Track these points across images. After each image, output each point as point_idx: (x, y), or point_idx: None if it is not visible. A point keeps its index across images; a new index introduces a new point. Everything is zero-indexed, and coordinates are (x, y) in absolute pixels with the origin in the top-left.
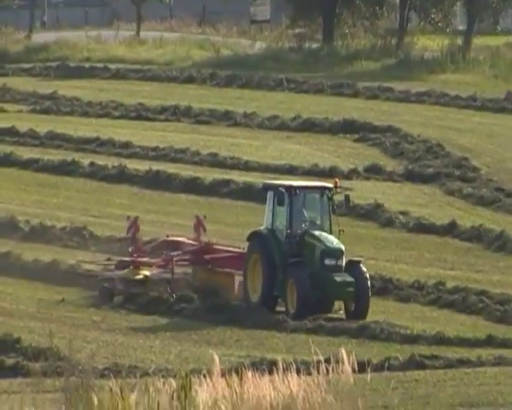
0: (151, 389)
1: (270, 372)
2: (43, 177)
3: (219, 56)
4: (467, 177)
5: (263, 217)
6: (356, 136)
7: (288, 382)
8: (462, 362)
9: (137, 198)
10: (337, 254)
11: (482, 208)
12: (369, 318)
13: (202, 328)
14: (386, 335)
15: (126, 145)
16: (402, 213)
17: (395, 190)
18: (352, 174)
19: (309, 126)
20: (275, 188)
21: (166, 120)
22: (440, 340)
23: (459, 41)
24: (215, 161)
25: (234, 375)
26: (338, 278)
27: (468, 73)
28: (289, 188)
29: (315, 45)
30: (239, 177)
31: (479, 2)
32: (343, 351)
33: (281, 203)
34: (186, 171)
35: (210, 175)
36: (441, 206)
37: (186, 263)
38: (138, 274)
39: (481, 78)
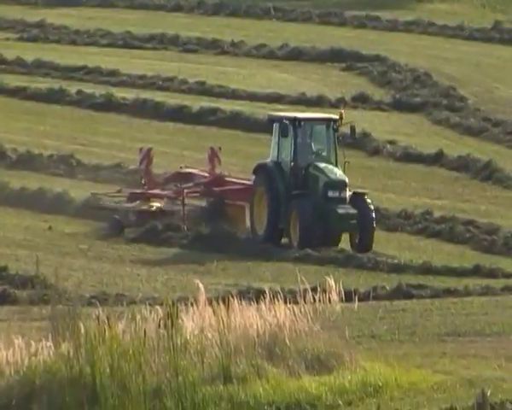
0: (138, 317)
1: (257, 301)
2: (31, 105)
3: None
4: (454, 106)
5: (250, 146)
6: (343, 65)
7: (275, 311)
8: (449, 292)
9: (125, 126)
10: (340, 185)
11: (469, 138)
12: None
13: (189, 257)
14: (373, 264)
15: (114, 73)
16: (389, 142)
17: (382, 120)
18: (339, 103)
19: (296, 55)
20: (279, 120)
21: (154, 48)
22: (427, 269)
23: None
24: (202, 90)
25: (220, 303)
26: (340, 210)
27: (456, 3)
28: (293, 119)
29: None
30: (226, 105)
31: None
32: (330, 280)
33: (285, 135)
34: (173, 99)
35: (197, 103)
36: (428, 135)
37: (197, 195)
38: (150, 206)
39: (469, 7)
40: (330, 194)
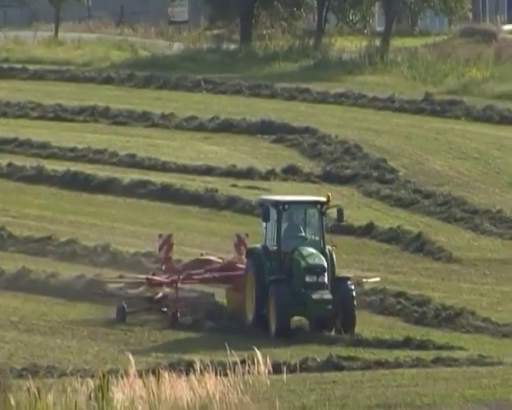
0: (68, 389)
1: (187, 373)
2: None
3: (137, 57)
4: (385, 178)
5: (181, 218)
6: (273, 137)
7: (205, 383)
8: (380, 364)
9: (55, 198)
10: (317, 270)
11: (400, 210)
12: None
13: (120, 329)
14: (303, 336)
15: (44, 146)
16: None
17: (313, 192)
18: (269, 175)
19: (226, 127)
20: (263, 203)
21: (84, 120)
22: (358, 341)
23: (377, 42)
24: (133, 162)
25: (151, 376)
26: (315, 296)
27: (387, 75)
28: (276, 203)
29: (233, 46)
30: (157, 177)
31: (396, 3)
32: (258, 352)
33: (266, 219)
34: (104, 171)
35: (128, 176)
36: (359, 207)
37: (195, 282)
38: (155, 293)
39: (399, 79)
40: (307, 279)
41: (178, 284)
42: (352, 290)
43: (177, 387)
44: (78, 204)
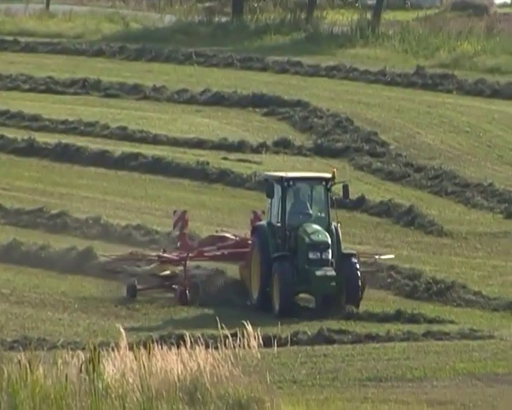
0: (59, 361)
1: (178, 346)
2: None
3: (129, 30)
4: (376, 152)
5: (172, 191)
6: (265, 110)
7: (196, 356)
8: (371, 337)
9: (47, 171)
10: (321, 247)
11: (391, 183)
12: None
13: (111, 301)
14: (296, 309)
15: (35, 118)
16: None
17: (304, 165)
18: (260, 148)
19: (218, 100)
20: (267, 180)
21: (76, 93)
22: (349, 315)
23: (368, 15)
24: (124, 135)
25: (142, 348)
26: (318, 273)
27: (378, 48)
28: (281, 179)
29: (224, 19)
30: (148, 150)
31: None
32: (248, 326)
33: (270, 195)
34: (95, 144)
35: (119, 148)
36: (350, 180)
37: (206, 259)
38: (162, 270)
39: (391, 53)
40: (311, 255)
41: (187, 262)
42: (356, 267)
43: (167, 360)
44: (70, 176)
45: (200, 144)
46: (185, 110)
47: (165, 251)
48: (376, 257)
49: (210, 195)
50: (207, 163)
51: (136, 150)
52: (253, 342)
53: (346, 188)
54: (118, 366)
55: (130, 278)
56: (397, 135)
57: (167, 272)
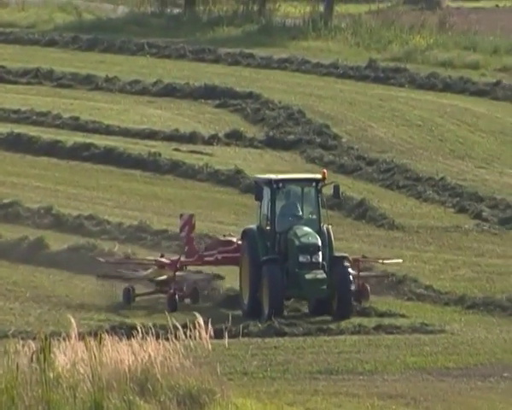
0: (11, 350)
1: (129, 337)
2: None
3: (82, 20)
4: (328, 144)
5: (124, 181)
6: (217, 101)
7: (147, 346)
8: (322, 330)
9: None
10: (311, 249)
11: (343, 176)
12: (235, 286)
13: (62, 291)
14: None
15: None
16: None
17: (256, 157)
18: (212, 140)
19: (170, 91)
20: (256, 183)
21: (28, 82)
22: (300, 307)
23: (321, 8)
24: (76, 125)
25: (92, 339)
26: (308, 276)
27: (330, 41)
28: (270, 182)
29: (177, 10)
30: (100, 141)
31: None
32: (199, 317)
33: (259, 198)
34: (47, 134)
35: (71, 139)
36: (302, 173)
37: (198, 263)
38: (159, 275)
39: (343, 45)
40: (301, 258)
41: (188, 267)
42: (348, 270)
43: (118, 350)
44: (22, 166)
45: (152, 135)
46: (137, 101)
47: (162, 256)
48: (380, 261)
49: (162, 186)
50: (159, 154)
51: (88, 141)
52: (204, 334)
53: (336, 188)
54: (69, 355)
55: (126, 283)
56: (349, 128)
57: (164, 277)
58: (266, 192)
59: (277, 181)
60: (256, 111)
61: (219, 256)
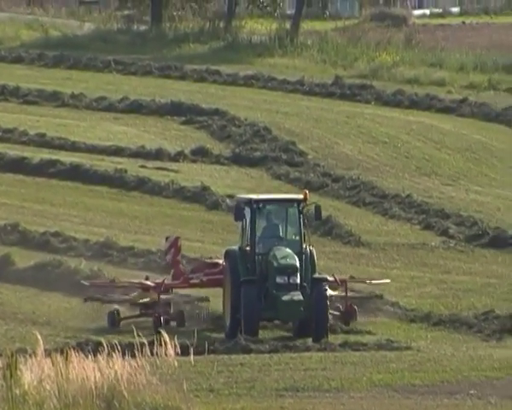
0: None
1: (95, 354)
2: None
3: (48, 37)
4: (294, 161)
5: (90, 198)
6: (183, 118)
7: (113, 363)
8: (288, 347)
9: None
10: (288, 271)
11: (309, 193)
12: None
13: (28, 308)
14: (202, 315)
15: None
16: (229, 196)
17: (222, 174)
18: (178, 157)
19: (136, 108)
20: (236, 202)
21: None
22: (265, 325)
23: (287, 25)
24: (42, 142)
25: (59, 355)
26: (284, 297)
27: (296, 58)
28: (250, 202)
29: (143, 27)
30: (66, 157)
31: None
32: (164, 334)
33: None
34: (13, 150)
35: (37, 155)
36: (268, 190)
37: (184, 286)
38: (142, 297)
39: (309, 62)
40: (278, 280)
41: (177, 289)
42: (325, 293)
43: (84, 367)
44: None
45: (118, 152)
46: (103, 118)
47: (147, 278)
48: (368, 282)
49: (128, 202)
50: (125, 171)
51: (54, 157)
52: (170, 351)
53: (318, 209)
54: (35, 372)
55: (112, 306)
56: (315, 145)
57: (146, 300)
58: (247, 212)
59: (258, 201)
60: (222, 128)
61: (204, 279)
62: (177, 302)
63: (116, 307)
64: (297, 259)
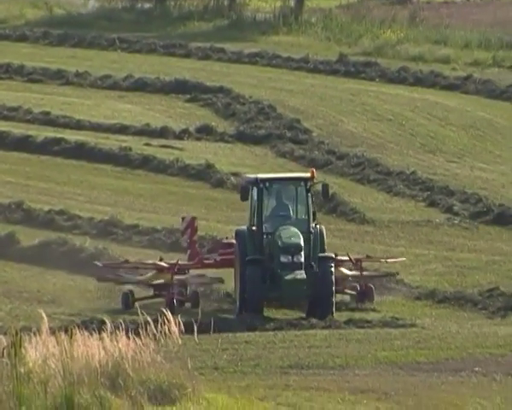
0: None
1: (100, 332)
2: None
3: (52, 15)
4: (298, 139)
5: (95, 176)
6: (187, 96)
7: (117, 342)
8: (293, 324)
9: None
10: (291, 250)
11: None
12: None
13: (33, 286)
14: (216, 296)
15: None
16: (233, 173)
17: (226, 151)
18: (183, 134)
19: (141, 86)
20: (242, 182)
21: None
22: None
23: (291, 3)
24: (47, 120)
25: (63, 334)
26: (287, 276)
27: (301, 35)
28: (255, 181)
29: (148, 5)
30: (71, 135)
31: None
32: (168, 313)
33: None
34: (18, 129)
35: (42, 133)
36: (272, 167)
37: (198, 266)
38: (152, 278)
39: (314, 40)
40: (283, 259)
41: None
42: (330, 271)
43: (89, 345)
44: None
45: (122, 130)
46: (108, 96)
47: (161, 259)
48: (382, 260)
49: (133, 181)
50: (130, 149)
51: (58, 135)
52: (174, 328)
53: (325, 187)
54: (40, 350)
55: (125, 287)
56: (319, 122)
57: (161, 281)
58: (253, 192)
59: (264, 180)
60: (227, 106)
61: (218, 259)
62: (192, 283)
63: (130, 287)
64: (302, 238)
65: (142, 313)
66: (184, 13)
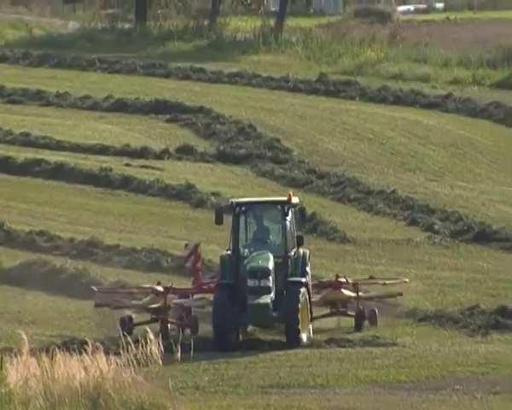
0: None
1: (81, 353)
2: None
3: (32, 36)
4: (278, 158)
5: (75, 197)
6: (167, 116)
7: (98, 362)
8: (274, 344)
9: None
10: (259, 274)
11: (294, 190)
12: None
13: (14, 307)
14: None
15: None
16: (213, 193)
17: (207, 171)
18: (163, 155)
19: (121, 106)
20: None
21: None
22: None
23: (271, 22)
24: (27, 141)
25: (44, 355)
26: (251, 301)
27: (281, 55)
28: (231, 205)
29: (128, 26)
30: (51, 156)
31: None
32: (149, 332)
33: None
34: None
35: (22, 154)
36: (253, 187)
37: (195, 292)
38: (150, 302)
39: (294, 59)
40: (249, 283)
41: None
42: (297, 296)
43: (70, 366)
44: None
45: (103, 151)
46: (88, 116)
47: (159, 283)
48: (381, 282)
49: (113, 201)
50: (110, 169)
51: (39, 156)
52: (155, 349)
53: (302, 211)
54: (21, 371)
55: (123, 311)
56: (300, 142)
57: (157, 305)
58: (229, 216)
59: (240, 204)
60: (207, 125)
61: (213, 284)
62: (190, 307)
63: (129, 313)
64: (271, 262)
65: (123, 335)
66: (164, 33)
